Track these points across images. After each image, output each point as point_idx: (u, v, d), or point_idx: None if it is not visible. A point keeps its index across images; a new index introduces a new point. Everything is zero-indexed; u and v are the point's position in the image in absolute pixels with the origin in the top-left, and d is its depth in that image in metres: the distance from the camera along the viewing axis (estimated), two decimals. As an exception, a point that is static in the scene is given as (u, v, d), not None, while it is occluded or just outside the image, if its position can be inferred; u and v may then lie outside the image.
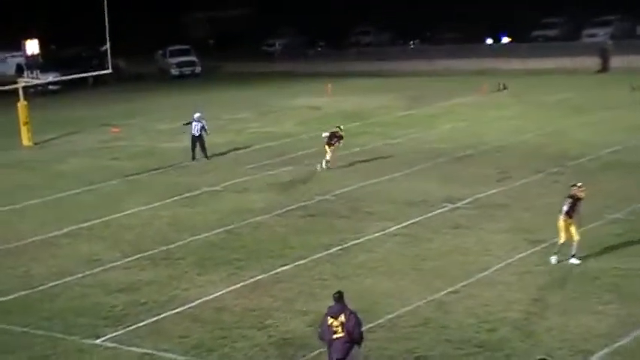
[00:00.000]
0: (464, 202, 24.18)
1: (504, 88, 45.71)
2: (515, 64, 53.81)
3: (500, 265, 18.95)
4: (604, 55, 50.39)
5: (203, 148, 32.25)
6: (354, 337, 13.09)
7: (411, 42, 69.34)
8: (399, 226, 22.30)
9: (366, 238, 21.54)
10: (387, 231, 21.99)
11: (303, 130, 37.98)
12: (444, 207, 23.79)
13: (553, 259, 18.80)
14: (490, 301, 17.00)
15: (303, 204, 25.13)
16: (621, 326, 15.41)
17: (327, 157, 29.04)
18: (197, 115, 32.29)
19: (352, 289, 18.02)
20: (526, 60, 53.34)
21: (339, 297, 13.38)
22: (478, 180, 26.25)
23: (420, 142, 33.50)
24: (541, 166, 27.54)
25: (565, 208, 18.70)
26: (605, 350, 14.56)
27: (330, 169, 28.80)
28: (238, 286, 18.79)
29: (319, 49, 70.25)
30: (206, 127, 32.28)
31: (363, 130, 36.83)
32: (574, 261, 18.57)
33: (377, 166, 29.46)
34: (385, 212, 23.70)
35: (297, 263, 19.97)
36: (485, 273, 18.52)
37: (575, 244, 18.67)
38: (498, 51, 61.63)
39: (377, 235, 21.74)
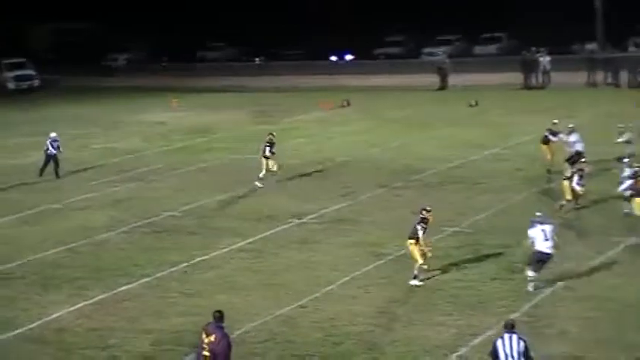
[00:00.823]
0: (310, 217, 24.39)
1: (348, 104, 46.44)
2: (359, 80, 54.82)
3: (346, 278, 19.20)
4: (442, 73, 52.02)
5: (57, 166, 31.48)
6: None
7: (257, 58, 69.58)
8: (246, 242, 22.29)
9: (214, 254, 21.42)
10: (234, 247, 21.94)
11: (148, 145, 37.45)
12: (290, 222, 23.93)
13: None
14: (336, 314, 17.18)
15: (149, 220, 24.77)
16: (460, 337, 15.87)
17: (264, 170, 27.95)
18: (53, 134, 31.65)
19: (200, 306, 17.92)
20: (369, 77, 54.43)
21: (219, 317, 13.24)
22: (324, 195, 26.55)
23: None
24: (385, 180, 28.12)
25: (421, 233, 18.57)
26: (446, 360, 14.96)
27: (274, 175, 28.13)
28: (80, 305, 18.30)
29: (164, 64, 69.50)
30: (60, 147, 31.58)
31: (210, 145, 36.64)
32: (414, 282, 18.65)
33: (224, 181, 29.33)
34: (233, 228, 23.63)
35: (142, 281, 19.64)
36: (332, 287, 18.72)
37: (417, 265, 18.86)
38: (342, 68, 62.69)
39: (225, 250, 21.65)
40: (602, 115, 38.34)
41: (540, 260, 17.98)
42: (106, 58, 72.25)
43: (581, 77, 48.53)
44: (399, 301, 17.75)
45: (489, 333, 15.90)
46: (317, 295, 18.27)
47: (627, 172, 23.05)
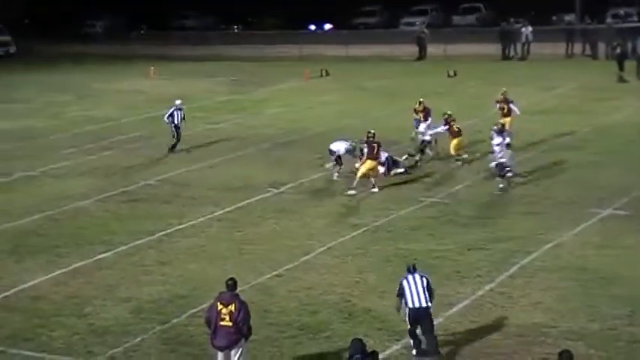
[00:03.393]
0: (288, 186, 24.44)
1: (326, 74, 46.34)
2: (337, 50, 54.65)
3: (322, 248, 19.30)
4: (421, 43, 51.92)
5: (178, 139, 28.78)
6: (242, 330, 12.90)
7: (234, 27, 69.20)
8: (223, 211, 22.32)
9: (190, 223, 21.44)
10: (210, 216, 21.97)
11: (125, 113, 37.27)
12: (268, 192, 23.97)
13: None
14: (312, 284, 17.29)
15: (125, 189, 24.74)
16: (437, 307, 15.95)
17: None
18: (178, 101, 29.20)
19: (175, 275, 18.01)
20: (347, 47, 54.21)
21: (232, 284, 13.11)
22: (301, 165, 26.59)
23: (243, 128, 33.54)
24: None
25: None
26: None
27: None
28: (57, 273, 18.31)
29: (142, 31, 68.94)
30: (185, 117, 29.12)
31: (187, 114, 36.48)
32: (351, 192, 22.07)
33: (201, 151, 29.31)
34: (209, 197, 23.66)
35: (118, 249, 19.66)
36: (308, 257, 18.82)
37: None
38: (320, 37, 62.42)
39: (201, 220, 21.68)
40: (578, 88, 38.55)
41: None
42: (82, 25, 71.57)
43: (560, 48, 48.63)
44: (374, 271, 17.87)
45: (465, 303, 16.08)
46: (294, 264, 18.36)
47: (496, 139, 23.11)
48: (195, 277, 17.68)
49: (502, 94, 28.22)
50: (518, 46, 49.93)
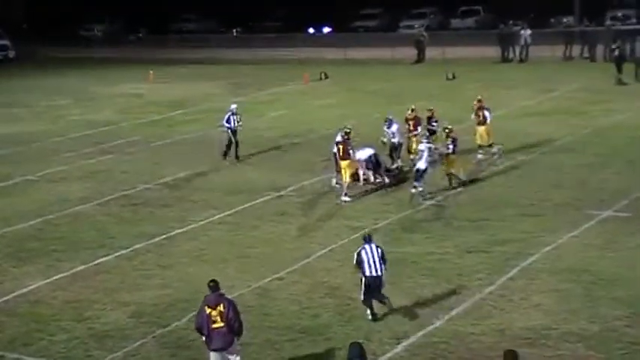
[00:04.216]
0: (288, 190, 24.42)
1: (326, 77, 46.35)
2: (336, 53, 54.68)
3: (323, 251, 19.28)
4: (420, 46, 51.93)
5: (237, 145, 27.93)
6: (234, 327, 12.88)
7: (234, 30, 69.18)
8: (223, 214, 22.32)
9: (191, 226, 21.44)
10: (211, 219, 21.96)
11: (124, 117, 37.28)
12: (268, 195, 23.96)
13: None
14: (313, 287, 17.26)
15: (125, 193, 24.74)
16: (437, 309, 15.99)
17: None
18: (234, 106, 28.55)
19: (176, 278, 18.00)
20: (346, 50, 54.23)
21: (214, 285, 13.06)
22: (303, 168, 26.56)
23: (245, 130, 33.42)
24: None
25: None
26: (421, 333, 15.07)
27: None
28: (56, 277, 18.29)
29: (140, 35, 68.95)
30: (240, 120, 28.24)
31: (186, 118, 36.51)
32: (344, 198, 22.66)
33: (201, 154, 29.27)
34: (210, 201, 23.65)
35: (118, 253, 19.64)
36: (308, 260, 18.80)
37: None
38: (320, 40, 62.43)
39: (201, 223, 21.67)
40: (577, 90, 38.54)
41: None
42: (81, 29, 71.58)
43: (558, 51, 48.63)
44: (375, 274, 17.80)
45: (465, 305, 16.05)
46: (294, 267, 18.33)
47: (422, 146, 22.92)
48: (195, 281, 17.61)
49: (477, 101, 27.81)
50: (517, 49, 49.92)
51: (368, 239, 15.57)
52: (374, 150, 24.49)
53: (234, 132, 28.00)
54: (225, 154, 27.94)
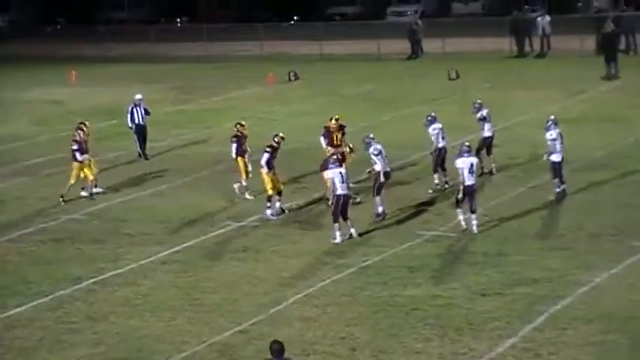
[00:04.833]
0: (251, 218, 24.44)
1: (296, 77, 46.46)
2: (308, 47, 54.88)
3: (298, 296, 19.24)
4: (414, 38, 52.21)
5: (144, 142, 31.65)
6: None
7: (178, 19, 69.35)
8: (169, 251, 22.27)
9: (129, 267, 21.37)
10: (154, 257, 21.90)
11: (40, 130, 37.24)
12: (227, 226, 23.96)
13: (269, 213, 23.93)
14: (287, 341, 17.11)
15: (43, 225, 24.70)
16: (446, 367, 16.03)
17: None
18: (138, 96, 31.70)
19: (111, 333, 17.92)
20: (321, 43, 54.47)
21: (280, 349, 13.05)
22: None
23: (193, 146, 33.52)
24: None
25: (264, 159, 24.17)
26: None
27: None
28: (-42, 334, 18.12)
29: (58, 26, 68.95)
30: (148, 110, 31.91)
31: (119, 129, 36.35)
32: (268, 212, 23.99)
33: (141, 175, 29.24)
34: (152, 234, 23.63)
35: (36, 302, 19.53)
36: (280, 307, 18.76)
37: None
38: (286, 32, 62.67)
39: (142, 262, 21.60)
40: (614, 91, 38.90)
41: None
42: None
43: (588, 42, 49.00)
44: (365, 324, 17.81)
45: (480, 363, 16.08)
46: (262, 317, 18.28)
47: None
48: (137, 336, 17.53)
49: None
50: (535, 40, 50.29)
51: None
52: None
53: (142, 127, 30.24)
54: (143, 152, 31.13)
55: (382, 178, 23.81)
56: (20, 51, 60.84)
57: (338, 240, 22.29)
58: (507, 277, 19.76)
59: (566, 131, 28.61)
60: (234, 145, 26.26)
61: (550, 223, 23.19)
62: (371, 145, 24.01)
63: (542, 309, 18.09)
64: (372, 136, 24.46)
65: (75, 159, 26.55)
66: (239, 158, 26.18)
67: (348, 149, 25.23)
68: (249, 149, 26.23)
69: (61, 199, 26.46)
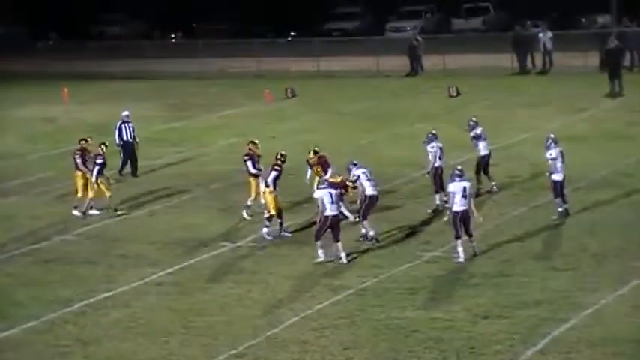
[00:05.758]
0: (247, 239, 24.46)
1: (292, 94, 46.48)
2: (306, 64, 54.90)
3: (294, 318, 19.23)
4: (414, 55, 52.24)
5: (135, 161, 31.86)
6: None
7: (172, 35, 69.38)
8: (163, 273, 22.28)
9: (121, 289, 21.36)
10: (147, 279, 21.91)
11: (31, 148, 37.22)
12: (222, 246, 23.97)
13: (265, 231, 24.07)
14: (284, 365, 17.18)
15: (35, 246, 24.68)
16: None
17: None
18: (125, 112, 31.91)
19: (103, 356, 17.92)
20: (318, 60, 54.49)
21: None
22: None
23: (188, 164, 33.50)
24: (342, 192, 28.14)
25: (271, 178, 24.29)
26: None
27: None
28: (-54, 358, 18.09)
29: (51, 42, 68.92)
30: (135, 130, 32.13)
31: (112, 148, 36.33)
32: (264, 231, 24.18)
33: (134, 195, 29.22)
34: (145, 255, 23.63)
35: (26, 325, 19.49)
36: (276, 330, 18.74)
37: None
38: (284, 48, 62.71)
39: (135, 284, 21.60)
40: (618, 109, 38.92)
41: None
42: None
43: (592, 59, 49.05)
44: (363, 347, 17.78)
45: (482, 387, 16.04)
46: (257, 340, 18.25)
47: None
48: (130, 359, 17.47)
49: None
50: (537, 57, 50.34)
51: None
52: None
53: (129, 145, 30.72)
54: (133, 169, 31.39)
55: (368, 201, 23.75)
56: (10, 67, 60.77)
57: (322, 258, 22.37)
58: (509, 299, 19.73)
59: (569, 150, 28.70)
60: (249, 163, 26.21)
61: (553, 243, 23.19)
62: (351, 171, 24.10)
63: (545, 331, 18.07)
64: (355, 162, 24.50)
65: (99, 174, 26.92)
66: (251, 178, 26.17)
67: (351, 185, 24.70)
68: (262, 168, 26.09)
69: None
